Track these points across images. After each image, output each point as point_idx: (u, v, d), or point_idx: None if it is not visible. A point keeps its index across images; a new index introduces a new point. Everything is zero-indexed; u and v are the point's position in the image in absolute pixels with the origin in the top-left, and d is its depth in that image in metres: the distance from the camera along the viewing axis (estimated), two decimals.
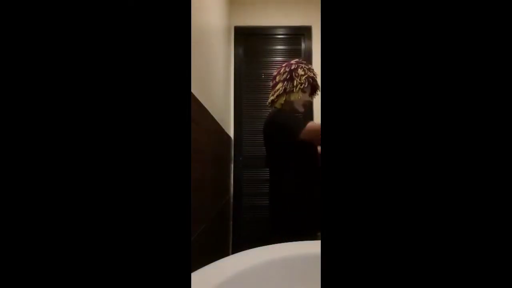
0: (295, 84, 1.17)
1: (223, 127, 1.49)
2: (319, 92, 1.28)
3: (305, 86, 1.18)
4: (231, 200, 1.99)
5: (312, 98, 1.30)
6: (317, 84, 1.25)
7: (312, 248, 0.46)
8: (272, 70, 2.07)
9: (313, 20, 2.08)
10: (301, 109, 1.24)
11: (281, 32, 2.10)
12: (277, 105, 1.20)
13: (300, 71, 1.18)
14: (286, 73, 1.18)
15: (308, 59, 2.06)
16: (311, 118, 1.95)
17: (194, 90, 0.79)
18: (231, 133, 2.01)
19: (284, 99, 1.18)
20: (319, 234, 1.16)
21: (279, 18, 2.10)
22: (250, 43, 2.10)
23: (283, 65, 1.22)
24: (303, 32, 2.09)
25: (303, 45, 2.08)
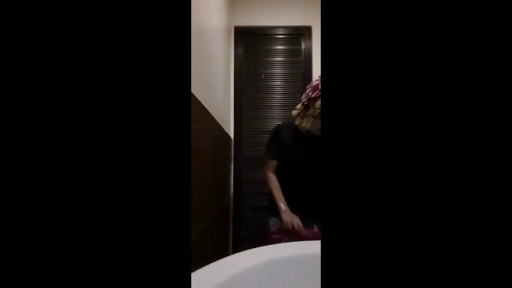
0: (307, 113, 1.13)
1: (223, 127, 1.49)
2: None
3: (319, 119, 1.10)
4: (231, 200, 1.99)
5: None
6: None
7: (312, 248, 0.46)
8: (272, 70, 2.07)
9: (313, 20, 2.08)
10: (317, 133, 1.17)
11: (281, 32, 2.10)
12: (296, 121, 1.18)
13: (318, 104, 1.10)
14: (306, 98, 1.13)
15: (308, 59, 2.06)
16: None
17: (194, 90, 0.79)
18: (231, 133, 2.01)
19: (298, 120, 1.16)
20: None
21: (279, 18, 2.10)
22: (250, 43, 2.10)
23: (313, 84, 1.14)
24: (303, 32, 2.09)
25: (303, 45, 2.08)
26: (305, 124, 1.13)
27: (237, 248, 1.93)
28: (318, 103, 1.09)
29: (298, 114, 1.16)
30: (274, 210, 1.15)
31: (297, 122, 1.16)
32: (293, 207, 1.11)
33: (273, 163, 1.20)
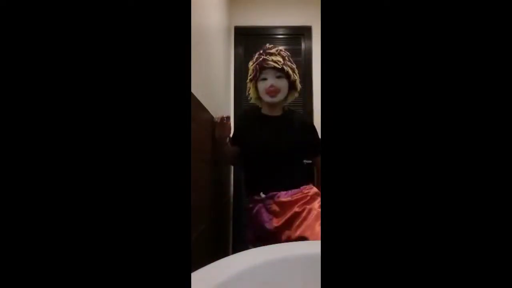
0: (248, 79, 1.11)
1: None
2: (297, 86, 1.12)
3: (254, 78, 1.07)
4: (231, 200, 1.99)
5: (277, 96, 1.07)
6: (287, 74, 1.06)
7: (312, 248, 0.46)
8: None
9: (313, 20, 2.07)
10: (269, 100, 1.08)
11: (281, 32, 2.10)
12: (251, 99, 1.16)
13: (252, 61, 1.09)
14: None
15: (308, 59, 2.06)
16: (311, 118, 1.94)
17: (194, 90, 0.79)
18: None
19: (250, 95, 1.14)
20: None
21: (279, 18, 2.10)
22: (250, 43, 2.10)
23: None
24: (303, 32, 2.09)
25: (303, 45, 2.08)
26: (253, 93, 1.12)
27: (237, 248, 1.93)
28: (254, 59, 1.06)
29: (248, 90, 1.13)
30: (254, 186, 1.08)
31: (251, 95, 1.14)
32: (260, 190, 1.05)
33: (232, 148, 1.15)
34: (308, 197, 1.02)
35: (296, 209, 0.99)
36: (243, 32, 2.10)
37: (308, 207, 0.99)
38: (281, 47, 1.10)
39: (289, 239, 0.95)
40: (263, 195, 1.05)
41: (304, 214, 0.98)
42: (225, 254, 1.50)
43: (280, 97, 1.09)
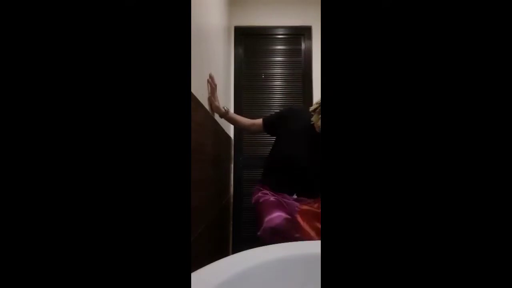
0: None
1: (223, 127, 1.49)
2: None
3: None
4: (231, 200, 1.99)
5: None
6: None
7: (312, 248, 0.46)
8: (272, 70, 2.07)
9: (313, 20, 2.07)
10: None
11: (281, 32, 2.10)
12: (313, 118, 1.10)
13: None
14: None
15: (308, 59, 2.06)
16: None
17: (194, 90, 0.79)
18: (231, 133, 2.00)
19: (315, 117, 1.09)
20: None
21: (279, 18, 2.10)
22: (250, 43, 2.10)
23: None
24: (303, 32, 2.09)
25: (303, 45, 2.08)
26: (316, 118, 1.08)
27: (237, 248, 1.93)
28: None
29: (315, 110, 1.09)
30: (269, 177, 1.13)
31: (314, 119, 1.10)
32: (280, 187, 1.11)
33: (259, 122, 1.20)
34: None
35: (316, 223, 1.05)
36: (243, 32, 2.10)
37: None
38: None
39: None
40: (295, 196, 1.09)
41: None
42: (225, 254, 1.50)
43: None
